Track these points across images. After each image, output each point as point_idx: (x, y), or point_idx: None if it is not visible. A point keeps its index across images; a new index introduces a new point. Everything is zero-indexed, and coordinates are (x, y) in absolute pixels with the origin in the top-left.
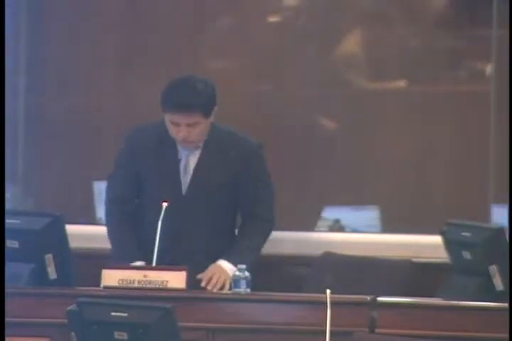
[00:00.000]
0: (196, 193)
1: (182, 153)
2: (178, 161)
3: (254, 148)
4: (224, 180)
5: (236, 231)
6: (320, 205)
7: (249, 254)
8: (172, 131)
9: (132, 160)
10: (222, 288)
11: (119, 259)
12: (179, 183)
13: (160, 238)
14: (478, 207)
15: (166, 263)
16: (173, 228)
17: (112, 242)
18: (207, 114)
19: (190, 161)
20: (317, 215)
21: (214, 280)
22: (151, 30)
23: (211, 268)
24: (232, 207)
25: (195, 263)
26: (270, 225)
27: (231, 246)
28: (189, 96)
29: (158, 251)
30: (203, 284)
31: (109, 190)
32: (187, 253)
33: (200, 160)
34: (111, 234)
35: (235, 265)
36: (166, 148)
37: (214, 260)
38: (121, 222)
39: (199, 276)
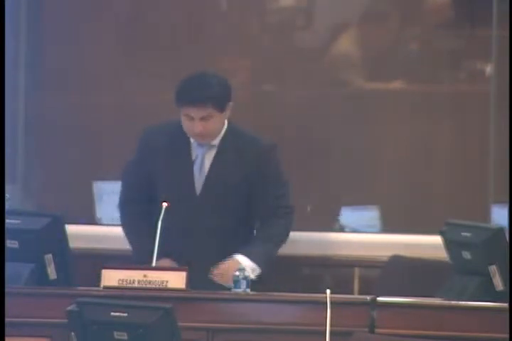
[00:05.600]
0: (210, 194)
1: (197, 153)
2: (192, 161)
3: (268, 148)
4: (238, 180)
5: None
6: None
7: (268, 247)
8: (186, 126)
9: (144, 160)
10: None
11: (141, 259)
12: (193, 184)
13: (173, 238)
14: (478, 207)
15: (181, 264)
16: (186, 228)
17: (131, 243)
18: (220, 107)
19: (205, 161)
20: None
21: (225, 275)
22: (151, 30)
23: (229, 263)
24: (245, 207)
25: (209, 263)
26: (290, 216)
27: (251, 243)
28: (202, 88)
29: (172, 252)
30: (214, 273)
31: (121, 191)
32: (200, 253)
33: (215, 160)
34: (128, 235)
35: (252, 259)
36: (180, 148)
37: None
38: (135, 222)
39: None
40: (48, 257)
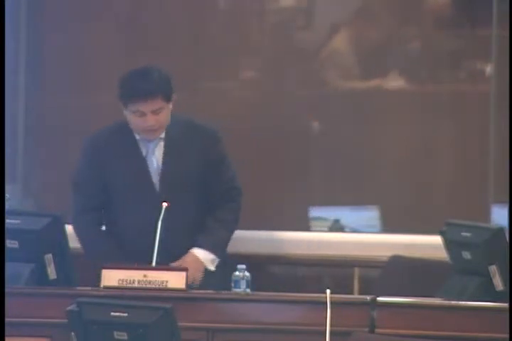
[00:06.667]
0: (169, 187)
1: (146, 148)
2: (143, 158)
3: (214, 134)
4: (192, 168)
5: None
6: (319, 206)
7: (223, 234)
8: (136, 122)
9: (96, 166)
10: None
11: (98, 260)
12: (150, 179)
13: (138, 237)
14: (478, 207)
15: (148, 262)
16: (149, 228)
17: (94, 250)
18: (168, 98)
19: (156, 155)
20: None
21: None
22: (151, 30)
23: (187, 259)
24: (204, 194)
25: (176, 257)
26: (239, 198)
27: (207, 232)
28: (148, 82)
29: (138, 251)
30: None
31: (77, 201)
32: (167, 249)
33: (165, 152)
34: (88, 243)
35: (211, 250)
36: (128, 147)
37: None
38: (95, 229)
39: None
40: (48, 257)
